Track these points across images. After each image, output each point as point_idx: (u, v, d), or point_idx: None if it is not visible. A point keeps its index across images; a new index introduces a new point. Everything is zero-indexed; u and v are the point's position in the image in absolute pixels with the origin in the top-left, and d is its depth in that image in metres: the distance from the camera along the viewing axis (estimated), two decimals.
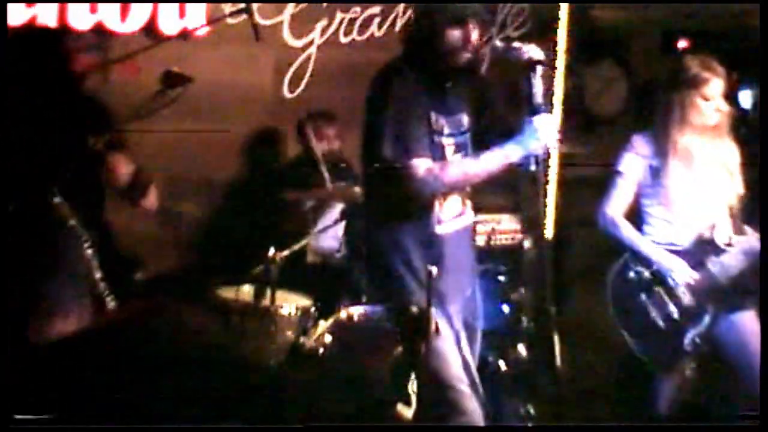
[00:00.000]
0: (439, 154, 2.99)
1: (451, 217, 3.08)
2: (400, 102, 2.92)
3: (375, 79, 3.06)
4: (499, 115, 3.23)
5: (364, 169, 3.13)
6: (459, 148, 3.09)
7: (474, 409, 2.96)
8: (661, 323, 3.63)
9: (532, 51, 2.93)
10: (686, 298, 3.61)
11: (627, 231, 3.68)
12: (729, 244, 3.60)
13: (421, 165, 2.91)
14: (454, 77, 3.07)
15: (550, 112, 2.97)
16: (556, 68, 2.93)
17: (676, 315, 3.61)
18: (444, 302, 3.00)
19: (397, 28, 5.11)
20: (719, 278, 3.58)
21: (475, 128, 3.17)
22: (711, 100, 3.58)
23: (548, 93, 2.93)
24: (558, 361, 2.87)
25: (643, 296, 3.66)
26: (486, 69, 3.28)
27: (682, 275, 3.61)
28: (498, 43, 3.06)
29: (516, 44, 3.00)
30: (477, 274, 3.33)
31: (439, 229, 3.03)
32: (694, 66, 3.60)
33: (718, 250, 3.60)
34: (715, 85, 3.58)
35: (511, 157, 2.93)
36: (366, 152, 3.05)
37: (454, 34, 2.95)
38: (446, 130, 3.04)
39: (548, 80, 2.91)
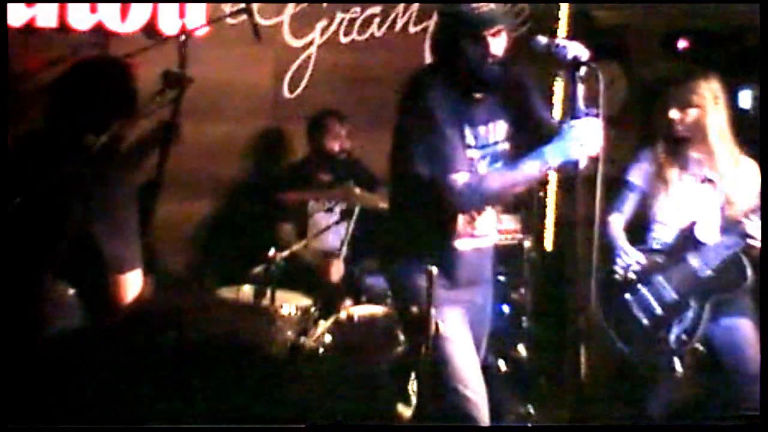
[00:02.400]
0: (470, 169, 2.88)
1: (483, 233, 3.02)
2: (431, 116, 2.80)
3: (405, 90, 2.93)
4: (539, 118, 3.06)
5: (392, 180, 3.07)
6: (493, 159, 2.98)
7: (476, 416, 2.93)
8: (645, 321, 3.69)
9: (577, 50, 2.76)
10: (668, 294, 3.67)
11: (612, 232, 3.76)
12: (709, 239, 3.65)
13: (459, 179, 2.80)
14: (485, 86, 2.94)
15: (595, 116, 2.74)
16: (601, 69, 2.72)
17: (658, 311, 3.67)
18: (455, 308, 2.97)
19: (397, 28, 5.10)
20: (699, 272, 3.64)
21: (514, 136, 3.03)
22: (682, 115, 3.65)
23: (593, 95, 2.75)
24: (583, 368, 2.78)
25: (627, 295, 3.72)
26: (524, 67, 3.05)
27: (655, 274, 3.69)
28: (541, 39, 2.84)
29: (560, 42, 2.81)
30: (491, 284, 3.27)
31: (461, 245, 2.97)
32: (676, 84, 3.70)
33: (698, 245, 3.66)
34: (682, 95, 3.66)
35: (550, 163, 2.79)
36: (395, 165, 2.97)
37: (477, 47, 2.82)
38: (477, 143, 2.93)
39: (593, 81, 2.73)
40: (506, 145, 3.03)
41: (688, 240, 3.69)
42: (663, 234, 3.76)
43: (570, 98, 2.78)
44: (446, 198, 2.81)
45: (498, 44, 2.85)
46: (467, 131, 2.90)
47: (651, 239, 3.79)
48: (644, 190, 3.79)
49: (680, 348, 3.65)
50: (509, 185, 2.88)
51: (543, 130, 2.96)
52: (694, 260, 3.66)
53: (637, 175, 3.80)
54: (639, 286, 3.71)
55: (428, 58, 5.14)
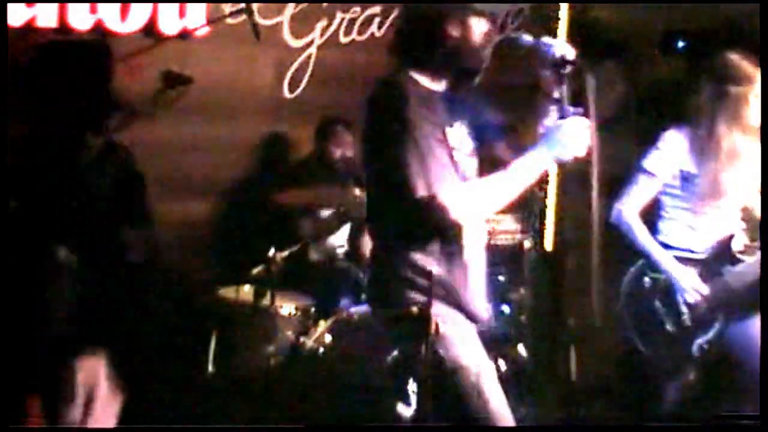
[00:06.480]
0: (461, 176, 2.70)
1: (476, 239, 2.80)
2: (414, 124, 2.59)
3: (372, 97, 2.75)
4: (526, 117, 2.90)
5: (374, 188, 2.85)
6: (483, 161, 2.81)
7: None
8: (671, 329, 3.59)
9: (563, 49, 2.65)
10: (699, 306, 3.56)
11: (640, 233, 3.59)
12: (744, 252, 3.56)
13: (447, 191, 2.59)
14: (469, 74, 2.77)
15: (582, 115, 2.64)
16: (588, 68, 2.67)
17: (688, 322, 3.57)
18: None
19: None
20: (734, 287, 3.53)
21: (501, 135, 2.88)
22: (757, 99, 3.48)
23: (580, 94, 2.68)
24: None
25: (657, 303, 3.61)
26: (505, 66, 2.86)
27: (691, 285, 3.55)
28: (526, 37, 2.73)
29: (545, 40, 2.70)
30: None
31: (466, 253, 2.76)
32: (746, 64, 3.51)
33: (734, 260, 3.55)
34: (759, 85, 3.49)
35: (542, 164, 2.66)
36: (383, 179, 2.72)
37: (460, 30, 2.68)
38: (463, 145, 2.76)
39: (579, 80, 2.67)
40: (497, 145, 2.88)
41: (725, 253, 3.56)
42: (693, 240, 3.60)
43: (555, 98, 2.69)
44: (435, 214, 2.60)
45: (480, 27, 2.72)
46: (452, 133, 2.71)
47: (687, 245, 3.60)
48: (661, 179, 3.60)
49: (700, 357, 3.58)
50: (504, 192, 2.70)
51: (531, 129, 2.83)
52: (730, 276, 3.54)
53: (655, 162, 3.58)
54: (671, 294, 3.58)
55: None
